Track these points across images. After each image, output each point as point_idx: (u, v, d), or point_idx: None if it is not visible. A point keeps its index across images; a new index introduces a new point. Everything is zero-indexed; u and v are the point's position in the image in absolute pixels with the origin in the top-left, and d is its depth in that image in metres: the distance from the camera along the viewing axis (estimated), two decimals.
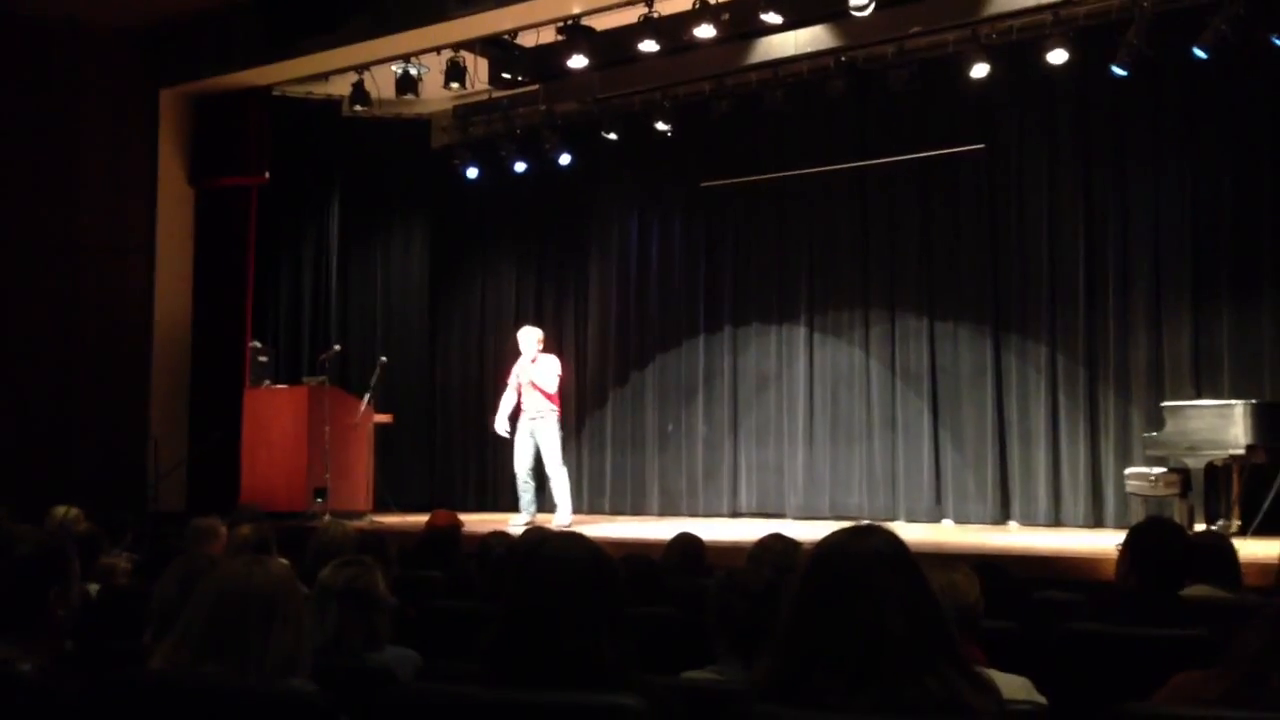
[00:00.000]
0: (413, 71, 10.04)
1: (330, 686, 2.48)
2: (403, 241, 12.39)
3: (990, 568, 4.09)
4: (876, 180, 10.30)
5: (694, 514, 10.76)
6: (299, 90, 11.09)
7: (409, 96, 10.28)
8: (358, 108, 10.45)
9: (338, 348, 10.71)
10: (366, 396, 10.14)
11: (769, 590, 2.86)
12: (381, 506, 10.37)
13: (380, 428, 10.70)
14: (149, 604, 3.16)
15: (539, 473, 9.74)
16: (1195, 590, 3.99)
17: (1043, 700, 2.72)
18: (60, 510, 5.90)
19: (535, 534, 4.42)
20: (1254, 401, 7.72)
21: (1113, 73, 8.59)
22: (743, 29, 8.84)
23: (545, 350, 9.95)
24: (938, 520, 9.70)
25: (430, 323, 12.47)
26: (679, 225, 11.43)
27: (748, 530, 7.99)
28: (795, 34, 8.96)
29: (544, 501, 9.90)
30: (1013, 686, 2.63)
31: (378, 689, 2.65)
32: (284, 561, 2.87)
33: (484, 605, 3.94)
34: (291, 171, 11.16)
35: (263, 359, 10.78)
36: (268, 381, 10.69)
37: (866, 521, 2.20)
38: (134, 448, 10.30)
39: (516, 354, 12.32)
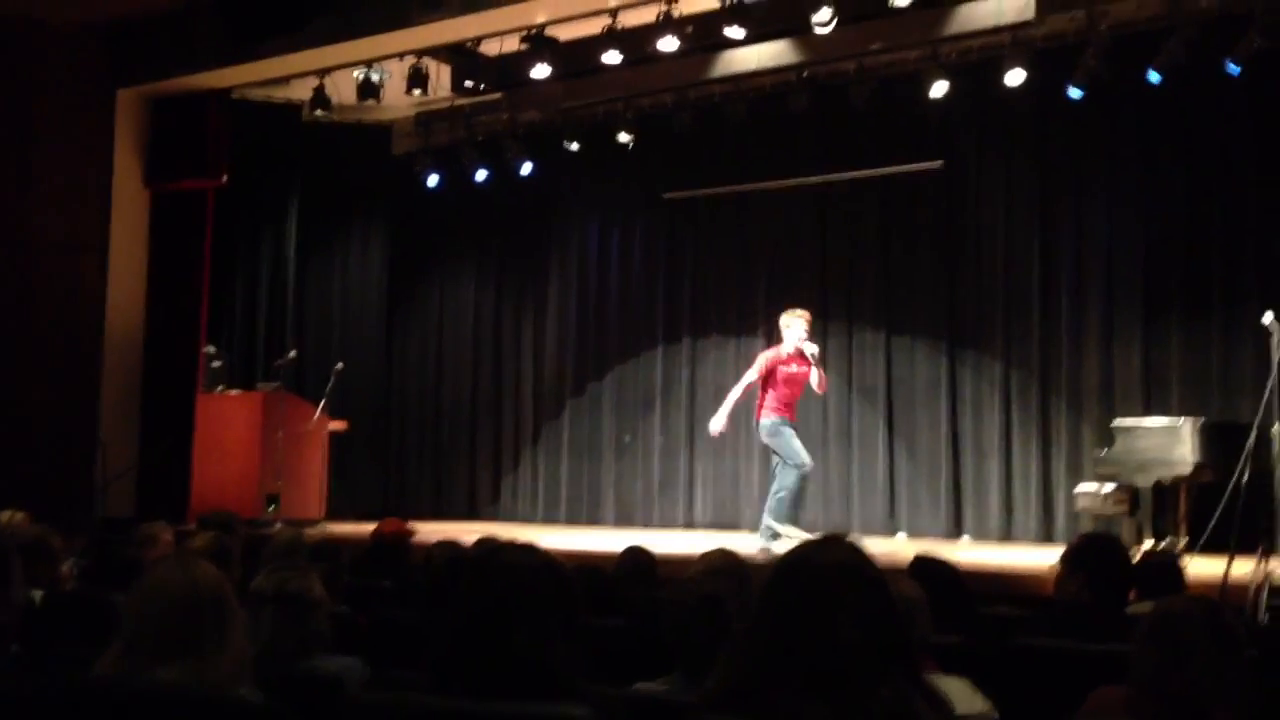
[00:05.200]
0: (375, 77, 9.99)
1: (276, 695, 2.46)
2: (361, 248, 12.32)
3: (936, 573, 4.11)
4: (836, 195, 10.38)
5: (649, 525, 10.77)
6: (259, 93, 11.00)
7: (370, 102, 10.22)
8: (318, 112, 10.37)
9: (293, 353, 10.62)
10: (321, 403, 10.07)
11: (710, 604, 2.86)
12: (334, 514, 10.28)
13: (335, 434, 10.62)
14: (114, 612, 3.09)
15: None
16: (1141, 607, 4.03)
17: (987, 702, 2.74)
18: (4, 514, 5.79)
19: (488, 542, 4.40)
20: (1201, 421, 7.82)
21: (1069, 94, 8.71)
22: (706, 42, 8.89)
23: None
24: (892, 534, 9.75)
25: (387, 330, 12.41)
26: (639, 236, 11.45)
27: (702, 542, 7.97)
28: (758, 48, 9.02)
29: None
30: (955, 690, 2.66)
31: (325, 698, 2.63)
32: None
33: (432, 614, 3.91)
34: (250, 175, 11.07)
35: (217, 364, 10.69)
36: (221, 387, 10.59)
37: (833, 532, 2.21)
38: (83, 451, 10.15)
39: (474, 362, 12.31)
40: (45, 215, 10.42)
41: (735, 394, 8.53)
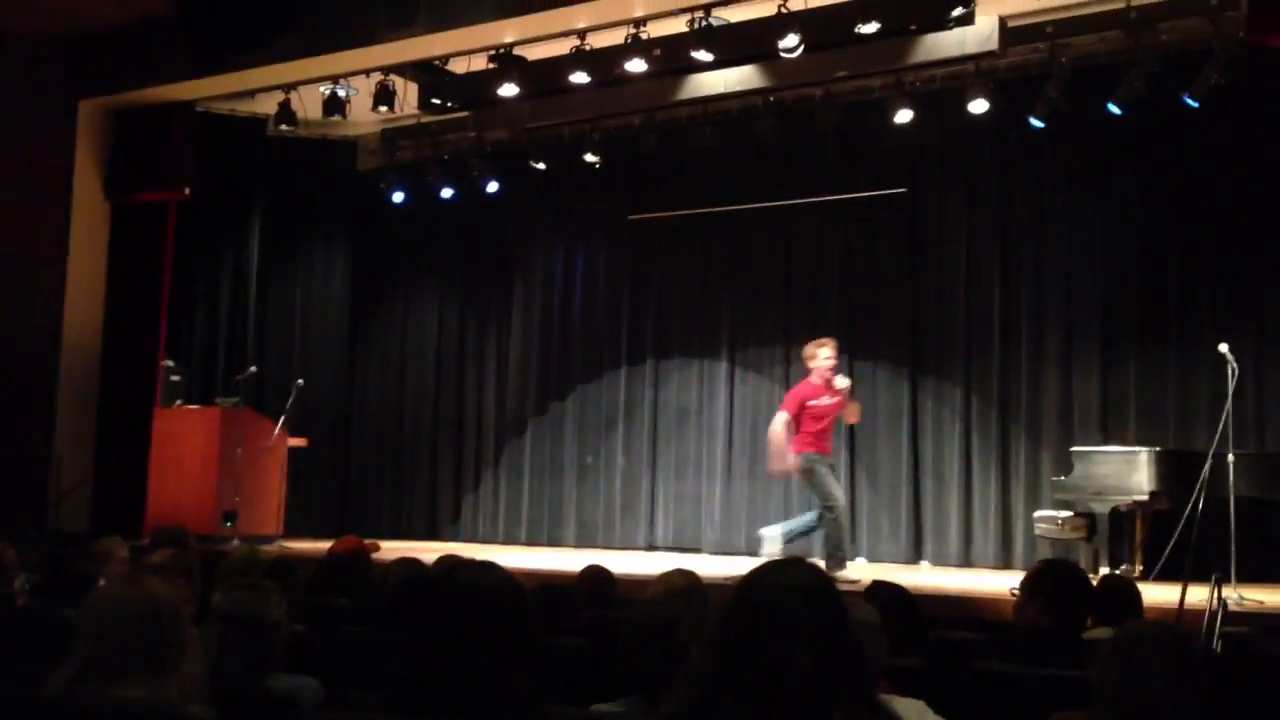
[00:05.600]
0: (341, 93, 9.96)
1: (228, 713, 2.42)
2: (324, 264, 12.24)
3: (891, 597, 4.13)
4: (801, 219, 10.43)
5: (610, 546, 10.74)
6: (223, 107, 10.94)
7: (336, 118, 10.19)
8: (283, 127, 10.31)
9: (254, 369, 10.55)
10: (281, 419, 9.99)
11: (667, 625, 2.85)
12: (293, 531, 10.18)
13: (295, 451, 10.53)
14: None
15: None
16: (1098, 632, 4.06)
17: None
18: None
19: (448, 561, 4.37)
20: (1158, 449, 7.91)
21: (1030, 124, 8.82)
22: (673, 65, 8.92)
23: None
24: (851, 558, 9.75)
25: (349, 347, 12.33)
26: (604, 257, 11.46)
27: (663, 564, 7.96)
28: (725, 73, 9.06)
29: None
30: (910, 711, 2.66)
31: (278, 717, 2.60)
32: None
33: (392, 633, 3.87)
34: (212, 189, 10.99)
35: (175, 378, 10.59)
36: (179, 401, 10.49)
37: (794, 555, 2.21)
38: (37, 464, 10.01)
39: (436, 380, 12.24)
40: (3, 226, 10.30)
41: (779, 434, 8.06)
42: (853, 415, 8.28)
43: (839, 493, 8.09)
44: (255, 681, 3.01)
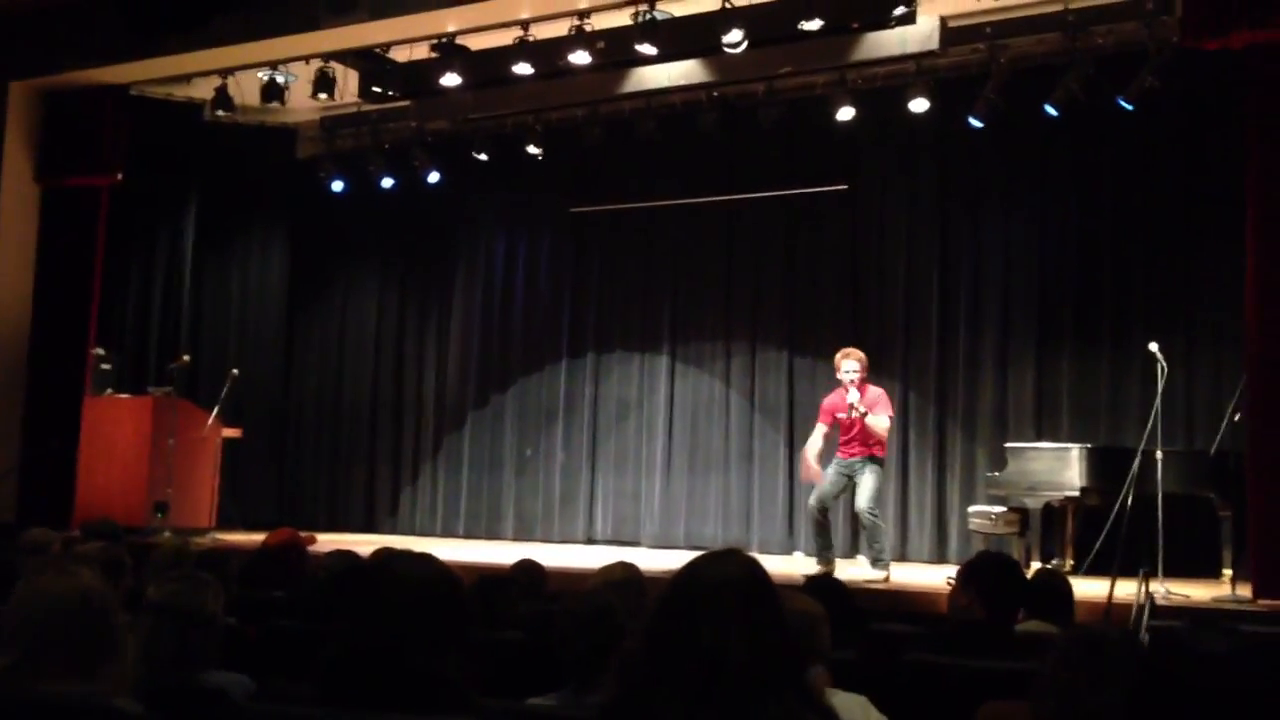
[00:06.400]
0: (280, 79, 9.81)
1: (158, 707, 2.38)
2: (261, 252, 12.07)
3: (828, 589, 4.16)
4: (743, 214, 10.47)
5: (549, 539, 10.72)
6: (159, 91, 10.73)
7: (275, 104, 10.04)
8: (220, 113, 10.15)
9: (187, 358, 10.37)
10: (215, 409, 9.84)
11: (602, 616, 2.84)
12: (226, 523, 10.05)
13: (229, 442, 10.39)
14: None
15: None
16: (1030, 625, 4.11)
17: (883, 718, 2.77)
18: None
19: (382, 553, 4.33)
20: (1089, 446, 8.03)
21: (970, 123, 8.91)
22: (617, 58, 8.91)
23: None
24: (790, 552, 9.84)
25: (287, 336, 12.18)
26: (546, 249, 11.42)
27: (602, 557, 7.96)
28: (669, 66, 9.07)
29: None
30: (852, 706, 2.68)
31: (209, 711, 2.56)
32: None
33: (326, 626, 3.83)
34: (147, 174, 10.78)
35: (106, 366, 10.40)
36: (110, 390, 10.30)
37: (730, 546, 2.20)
38: None
39: (375, 371, 12.13)
40: None
41: (809, 447, 8.08)
42: (877, 429, 7.78)
43: (812, 499, 8.04)
44: (187, 675, 2.96)
